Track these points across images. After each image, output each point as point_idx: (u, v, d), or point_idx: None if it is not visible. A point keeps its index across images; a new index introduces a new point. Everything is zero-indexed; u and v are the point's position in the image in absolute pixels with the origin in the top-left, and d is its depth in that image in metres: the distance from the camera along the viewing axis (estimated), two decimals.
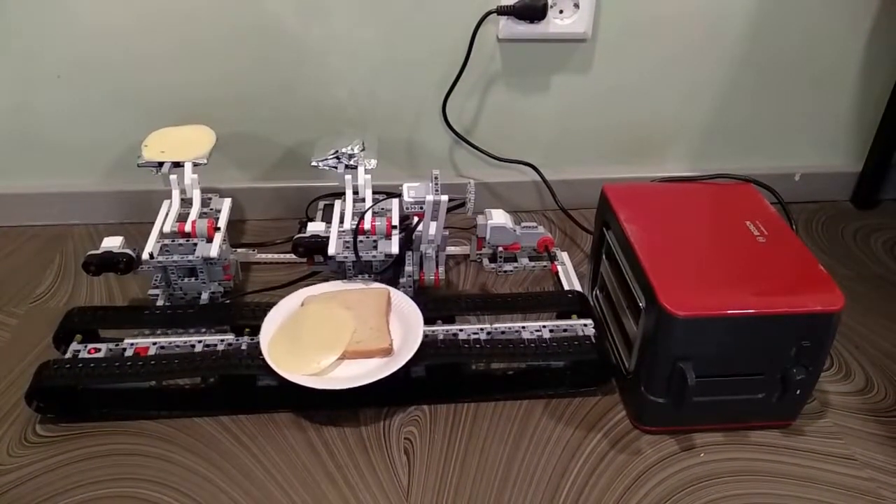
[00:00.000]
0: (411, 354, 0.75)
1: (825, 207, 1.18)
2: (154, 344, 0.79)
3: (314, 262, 0.87)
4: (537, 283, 1.00)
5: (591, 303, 0.90)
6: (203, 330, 0.83)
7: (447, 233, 0.90)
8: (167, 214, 0.86)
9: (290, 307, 0.82)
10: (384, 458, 0.74)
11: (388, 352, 0.76)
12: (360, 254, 0.84)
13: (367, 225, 0.86)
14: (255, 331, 0.79)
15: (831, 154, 1.17)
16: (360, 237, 0.85)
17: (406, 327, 0.80)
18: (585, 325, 0.82)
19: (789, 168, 1.16)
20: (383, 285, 0.85)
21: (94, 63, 0.97)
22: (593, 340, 0.80)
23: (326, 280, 0.87)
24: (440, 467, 0.73)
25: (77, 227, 1.09)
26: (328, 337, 0.77)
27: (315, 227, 0.87)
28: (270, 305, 0.82)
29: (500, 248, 0.99)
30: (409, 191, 0.87)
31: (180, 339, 0.79)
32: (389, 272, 0.87)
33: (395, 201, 0.89)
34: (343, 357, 0.76)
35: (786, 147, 1.15)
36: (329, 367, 0.75)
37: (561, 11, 0.98)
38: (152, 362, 0.76)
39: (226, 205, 0.90)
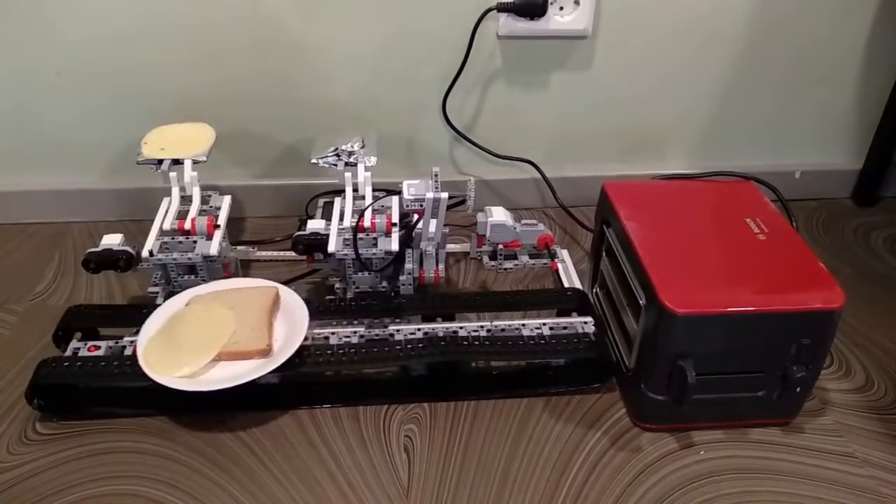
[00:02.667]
0: (286, 357, 0.73)
1: (825, 205, 1.18)
2: None
3: (314, 259, 0.87)
4: (537, 280, 1.00)
5: (592, 300, 0.90)
6: None
7: (447, 230, 0.90)
8: (167, 212, 0.86)
9: (174, 307, 0.80)
10: (384, 456, 0.74)
11: (266, 353, 0.74)
12: (360, 251, 0.84)
13: (366, 222, 0.85)
14: None
15: (832, 151, 1.16)
16: (360, 235, 0.85)
17: (290, 328, 0.77)
18: (585, 323, 0.82)
19: (790, 165, 1.16)
20: (272, 283, 0.83)
21: (93, 60, 0.97)
22: (593, 338, 0.80)
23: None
24: (440, 465, 0.73)
25: (77, 225, 1.09)
26: (205, 338, 0.74)
27: (315, 225, 0.86)
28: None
29: (501, 246, 0.99)
30: (409, 188, 0.87)
31: None
32: (389, 270, 0.87)
33: (395, 199, 0.89)
34: (219, 358, 0.74)
35: (786, 144, 1.15)
36: (203, 368, 0.72)
37: (561, 8, 0.98)
38: None
39: (225, 202, 0.90)
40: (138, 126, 0.93)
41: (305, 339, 0.78)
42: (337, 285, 0.90)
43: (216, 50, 0.97)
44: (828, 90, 1.10)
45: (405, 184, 0.88)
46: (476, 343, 0.78)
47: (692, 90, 1.08)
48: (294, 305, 0.80)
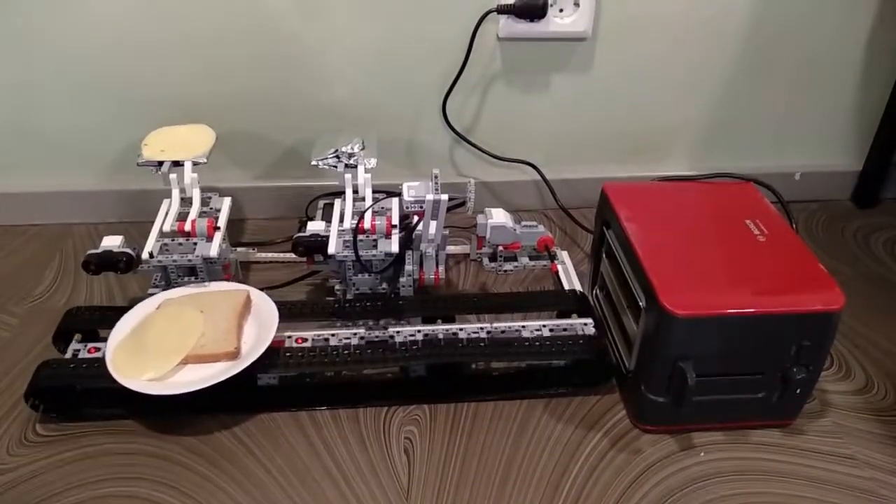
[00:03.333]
0: (252, 360, 0.73)
1: (825, 206, 1.18)
2: None
3: (314, 261, 0.87)
4: (537, 282, 1.00)
5: (592, 302, 0.90)
6: None
7: (447, 232, 0.90)
8: (167, 213, 0.86)
9: (146, 310, 0.80)
10: (384, 458, 0.74)
11: (234, 355, 0.74)
12: (360, 253, 0.84)
13: (366, 224, 0.85)
14: None
15: (832, 153, 1.16)
16: (360, 236, 0.85)
17: (259, 331, 0.77)
18: (585, 325, 0.82)
19: (790, 167, 1.16)
20: (243, 286, 0.83)
21: (94, 62, 0.97)
22: (593, 340, 0.80)
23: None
24: (440, 467, 0.73)
25: (77, 227, 1.09)
26: (173, 341, 0.74)
27: (315, 227, 0.86)
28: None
29: (501, 248, 0.99)
30: (409, 190, 0.87)
31: None
32: (389, 271, 0.87)
33: (395, 200, 0.89)
34: (186, 361, 0.73)
35: (786, 146, 1.15)
36: (170, 371, 0.72)
37: (561, 10, 0.98)
38: None
39: (226, 204, 0.90)
40: (138, 128, 0.93)
41: (305, 340, 0.79)
42: (337, 287, 0.90)
43: (216, 52, 0.97)
44: (828, 91, 1.10)
45: (405, 185, 0.88)
46: (476, 345, 0.78)
47: (692, 92, 1.08)
48: (265, 308, 0.80)
